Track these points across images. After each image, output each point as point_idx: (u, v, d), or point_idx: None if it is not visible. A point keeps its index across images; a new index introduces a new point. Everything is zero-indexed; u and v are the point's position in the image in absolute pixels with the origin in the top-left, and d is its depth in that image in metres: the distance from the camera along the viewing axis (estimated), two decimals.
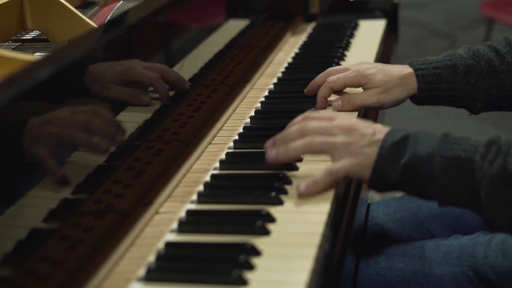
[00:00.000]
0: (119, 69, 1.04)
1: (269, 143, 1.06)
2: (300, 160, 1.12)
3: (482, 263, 1.10)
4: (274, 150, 1.04)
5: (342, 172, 1.00)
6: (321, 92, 1.33)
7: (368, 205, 1.41)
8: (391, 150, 0.97)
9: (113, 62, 1.04)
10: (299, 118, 1.07)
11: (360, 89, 1.33)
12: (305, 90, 1.37)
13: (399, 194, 1.48)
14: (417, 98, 1.33)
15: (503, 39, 1.33)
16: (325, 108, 1.34)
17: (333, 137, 1.01)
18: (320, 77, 1.35)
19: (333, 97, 1.34)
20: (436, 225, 1.33)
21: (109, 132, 0.98)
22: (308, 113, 1.07)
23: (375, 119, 1.41)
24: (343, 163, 1.00)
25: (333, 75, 1.33)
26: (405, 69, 1.32)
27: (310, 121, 1.04)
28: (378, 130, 1.01)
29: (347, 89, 1.35)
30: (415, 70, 1.31)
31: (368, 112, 1.35)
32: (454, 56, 1.31)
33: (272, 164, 1.05)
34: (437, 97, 1.32)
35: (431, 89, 1.31)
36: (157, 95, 1.12)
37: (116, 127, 1.00)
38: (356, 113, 1.32)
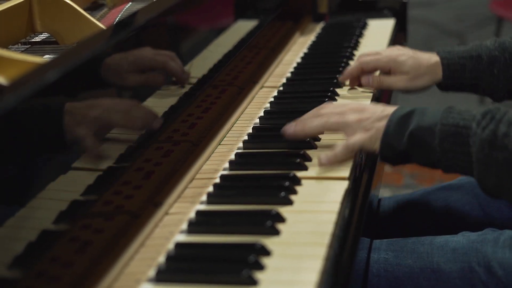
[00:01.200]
0: (132, 59, 1.08)
1: (288, 126, 1.15)
2: (310, 160, 1.12)
3: (490, 259, 1.11)
4: (292, 127, 1.14)
5: (357, 145, 1.09)
6: (351, 69, 1.43)
7: (379, 201, 1.42)
8: (398, 122, 1.05)
9: (124, 54, 1.05)
10: (314, 109, 1.16)
11: None
12: (339, 78, 1.45)
13: (409, 190, 1.48)
14: (442, 85, 1.40)
15: None
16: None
17: (347, 116, 1.11)
18: (354, 65, 1.43)
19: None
20: (444, 220, 1.34)
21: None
22: (322, 105, 1.17)
23: None
24: (357, 137, 1.09)
25: (367, 57, 1.42)
26: (433, 57, 1.38)
27: (325, 108, 1.15)
28: (386, 108, 1.10)
29: None
30: (441, 58, 1.38)
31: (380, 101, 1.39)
32: (480, 47, 1.37)
33: (290, 138, 1.14)
34: (460, 85, 1.39)
35: (455, 77, 1.38)
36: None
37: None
38: (369, 100, 1.38)
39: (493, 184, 0.98)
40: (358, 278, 1.09)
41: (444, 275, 1.13)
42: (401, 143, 1.04)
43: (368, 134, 1.08)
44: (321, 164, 1.10)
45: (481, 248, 1.13)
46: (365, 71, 1.42)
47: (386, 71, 1.41)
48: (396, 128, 1.05)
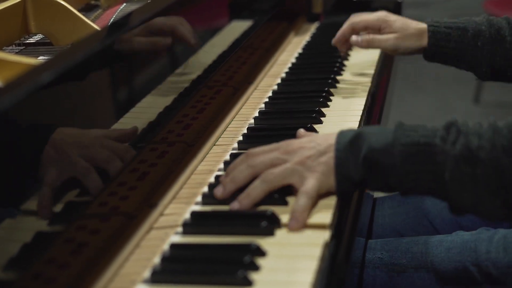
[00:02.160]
0: (143, 26, 1.08)
1: (218, 190, 1.02)
2: None
3: (484, 259, 1.11)
4: (236, 204, 0.99)
5: (313, 190, 0.97)
6: (342, 30, 1.47)
7: (374, 200, 1.42)
8: (346, 149, 0.96)
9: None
10: (242, 157, 1.03)
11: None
12: (333, 40, 1.50)
13: None
14: (427, 53, 1.42)
15: None
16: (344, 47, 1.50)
17: (286, 163, 0.99)
18: (344, 26, 1.48)
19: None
20: (439, 219, 1.34)
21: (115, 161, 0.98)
22: (249, 151, 1.03)
23: (379, 117, 1.42)
24: (310, 182, 0.97)
25: (356, 17, 1.46)
26: (421, 24, 1.42)
27: (256, 156, 1.01)
28: (325, 138, 1.00)
29: None
30: (428, 25, 1.41)
31: (376, 100, 1.35)
32: (468, 21, 1.40)
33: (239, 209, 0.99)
34: (444, 55, 1.41)
35: (439, 46, 1.40)
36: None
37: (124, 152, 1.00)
38: (364, 98, 1.38)
39: (470, 202, 0.91)
40: (354, 278, 1.09)
41: (439, 275, 1.13)
42: (357, 172, 0.95)
43: (317, 173, 0.97)
44: (293, 229, 0.94)
45: (475, 247, 1.13)
46: (356, 30, 1.45)
47: (376, 31, 1.44)
48: (346, 156, 0.96)
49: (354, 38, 1.45)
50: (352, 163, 0.95)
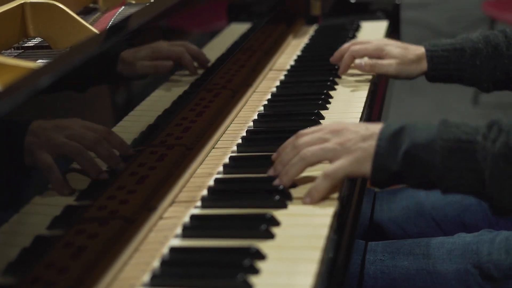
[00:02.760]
0: (148, 49, 1.11)
1: (270, 171, 1.07)
2: None
3: (486, 260, 1.11)
4: (277, 180, 1.04)
5: (340, 172, 0.99)
6: (344, 60, 1.49)
7: (375, 194, 1.43)
8: (389, 140, 0.96)
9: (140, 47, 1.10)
10: (291, 138, 1.07)
11: None
12: (330, 59, 1.53)
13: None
14: (428, 76, 1.45)
15: None
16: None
17: (326, 142, 1.01)
18: (345, 46, 1.51)
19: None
20: (442, 215, 1.34)
21: (112, 155, 0.98)
22: (299, 132, 1.06)
23: (378, 119, 1.42)
24: (340, 163, 0.99)
25: (356, 46, 1.48)
26: (420, 49, 1.45)
27: (302, 137, 1.05)
28: (370, 125, 1.01)
29: None
30: (426, 50, 1.44)
31: (374, 103, 1.40)
32: (465, 40, 1.43)
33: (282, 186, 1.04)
34: (445, 76, 1.44)
35: (439, 69, 1.43)
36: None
37: (122, 148, 1.01)
38: (363, 102, 1.38)
39: (511, 202, 0.91)
40: (354, 280, 1.09)
41: (440, 277, 1.13)
42: (395, 164, 0.95)
43: (353, 156, 0.99)
44: (306, 203, 1.00)
45: (476, 249, 1.13)
46: (356, 58, 1.48)
47: (375, 58, 1.47)
48: (387, 148, 0.96)
49: (357, 61, 1.47)
50: (392, 155, 0.96)
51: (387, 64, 1.44)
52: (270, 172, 1.06)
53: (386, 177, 0.97)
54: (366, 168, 0.98)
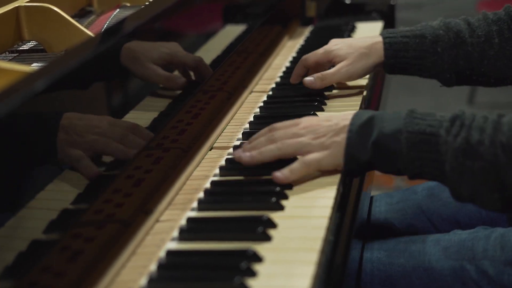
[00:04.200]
0: (164, 51, 1.13)
1: (237, 151, 1.11)
2: None
3: (481, 257, 1.11)
4: (247, 153, 1.08)
5: (314, 163, 1.05)
6: (296, 70, 1.43)
7: (371, 198, 1.43)
8: (359, 132, 1.02)
9: (154, 43, 1.12)
10: (264, 130, 1.11)
11: None
12: (290, 79, 1.45)
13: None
14: (386, 66, 1.38)
15: (481, 13, 1.38)
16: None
17: (302, 137, 1.06)
18: (298, 64, 1.44)
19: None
20: (437, 215, 1.34)
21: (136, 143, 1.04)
22: (272, 125, 1.11)
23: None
24: (315, 155, 1.05)
25: (306, 55, 1.42)
26: (374, 39, 1.38)
27: (276, 130, 1.09)
28: (342, 118, 1.06)
29: None
30: (384, 38, 1.37)
31: (371, 102, 1.40)
32: (425, 27, 1.36)
33: (246, 165, 1.09)
34: (404, 65, 1.37)
35: (398, 57, 1.36)
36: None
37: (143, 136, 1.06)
38: (359, 102, 1.37)
39: (468, 193, 0.95)
40: (351, 278, 1.09)
41: (436, 273, 1.14)
42: (365, 154, 1.01)
43: (327, 151, 1.05)
44: (277, 181, 1.04)
45: (472, 246, 1.13)
46: (308, 66, 1.42)
47: (327, 63, 1.40)
48: (357, 139, 1.02)
49: (307, 80, 1.38)
50: (362, 146, 1.02)
51: (336, 71, 1.37)
52: (236, 154, 1.10)
53: (358, 166, 1.04)
54: (340, 160, 1.04)
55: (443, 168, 0.96)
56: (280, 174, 1.05)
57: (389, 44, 1.36)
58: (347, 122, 1.04)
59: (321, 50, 1.41)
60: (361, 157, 1.02)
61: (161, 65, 1.13)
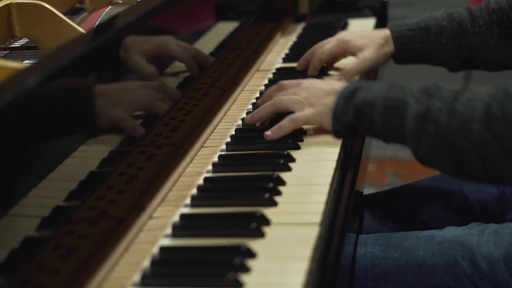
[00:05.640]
0: (156, 42, 1.17)
1: (247, 117, 1.24)
2: (293, 160, 1.12)
3: (475, 253, 1.12)
4: (248, 116, 1.24)
5: (302, 119, 1.16)
6: (312, 66, 1.47)
7: (364, 197, 1.43)
8: (346, 97, 1.11)
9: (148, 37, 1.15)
10: (274, 86, 1.24)
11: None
12: (296, 66, 1.50)
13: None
14: (396, 58, 1.46)
15: (485, 2, 1.42)
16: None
17: (296, 95, 1.18)
18: (308, 53, 1.48)
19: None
20: (430, 216, 1.35)
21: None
22: (280, 82, 1.23)
23: None
24: (304, 112, 1.16)
25: (319, 49, 1.46)
26: (384, 31, 1.44)
27: (280, 92, 1.22)
28: (335, 84, 1.17)
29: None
30: (391, 31, 1.43)
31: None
32: (429, 19, 1.43)
33: (250, 123, 1.24)
34: (412, 56, 1.44)
35: (406, 49, 1.43)
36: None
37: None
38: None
39: (425, 155, 1.02)
40: (345, 273, 1.09)
41: (430, 269, 1.14)
42: (349, 117, 1.10)
43: (315, 109, 1.15)
44: (267, 138, 1.16)
45: (466, 242, 1.14)
46: (323, 60, 1.47)
47: (341, 54, 1.47)
48: (343, 103, 1.10)
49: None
50: (346, 110, 1.10)
51: (360, 62, 1.42)
52: (247, 118, 1.24)
53: (343, 129, 1.13)
54: (326, 120, 1.14)
55: (406, 131, 1.02)
56: (270, 133, 1.16)
57: (396, 38, 1.42)
58: (339, 87, 1.13)
59: (333, 42, 1.45)
60: (345, 120, 1.11)
61: (152, 58, 1.13)
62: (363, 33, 1.46)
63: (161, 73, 1.20)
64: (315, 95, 1.16)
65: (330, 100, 1.13)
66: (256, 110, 1.22)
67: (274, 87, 1.24)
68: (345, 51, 1.45)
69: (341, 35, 1.47)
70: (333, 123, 1.13)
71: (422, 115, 1.00)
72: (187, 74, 1.28)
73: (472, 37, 1.39)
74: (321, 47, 1.46)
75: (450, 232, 1.18)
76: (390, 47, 1.43)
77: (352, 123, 1.10)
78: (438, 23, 1.40)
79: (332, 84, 1.17)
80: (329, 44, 1.46)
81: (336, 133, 1.15)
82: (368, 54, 1.42)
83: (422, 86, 1.04)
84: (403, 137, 1.03)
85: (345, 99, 1.10)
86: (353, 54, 1.44)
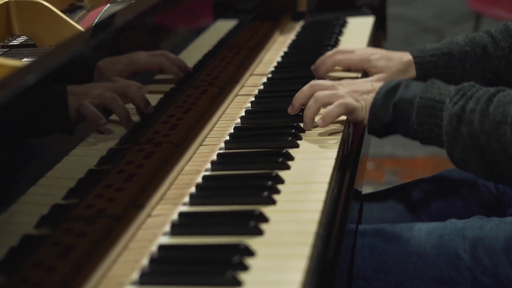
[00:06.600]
0: (127, 61, 1.12)
1: (289, 108, 1.25)
2: (292, 159, 1.12)
3: (476, 246, 1.12)
4: (304, 125, 1.22)
5: (351, 106, 1.16)
6: (326, 66, 1.47)
7: (362, 196, 1.43)
8: (385, 94, 1.13)
9: (118, 56, 1.09)
10: (306, 87, 1.23)
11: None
12: (312, 67, 1.49)
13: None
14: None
15: (502, 24, 1.41)
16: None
17: (337, 90, 1.20)
18: (328, 55, 1.47)
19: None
20: (428, 212, 1.35)
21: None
22: (313, 81, 1.24)
23: None
24: (350, 99, 1.17)
25: (340, 55, 1.46)
26: (406, 56, 1.42)
27: (317, 87, 1.21)
28: (376, 83, 1.19)
29: None
30: (414, 57, 1.41)
31: None
32: (452, 44, 1.41)
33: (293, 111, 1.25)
34: None
35: (429, 75, 1.38)
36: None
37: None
38: None
39: (460, 157, 1.04)
40: (345, 265, 1.09)
41: (431, 261, 1.14)
42: (387, 115, 1.12)
43: (357, 104, 1.16)
44: (321, 126, 1.18)
45: (467, 235, 1.14)
46: (340, 66, 1.47)
47: (359, 70, 1.45)
48: (382, 100, 1.13)
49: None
50: (384, 107, 1.13)
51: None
52: (289, 109, 1.24)
53: (379, 125, 1.14)
54: (364, 116, 1.16)
55: (442, 131, 1.04)
56: (322, 122, 1.18)
57: (420, 64, 1.40)
58: (379, 85, 1.15)
59: (357, 56, 1.44)
60: (383, 118, 1.13)
61: (127, 75, 1.10)
62: (387, 54, 1.43)
63: (157, 72, 1.20)
64: (356, 91, 1.18)
65: (371, 96, 1.15)
66: (304, 119, 1.21)
67: (306, 87, 1.23)
68: (364, 68, 1.44)
69: (367, 53, 1.44)
70: (370, 120, 1.15)
71: (457, 115, 1.02)
72: (184, 73, 1.28)
73: (496, 60, 1.38)
74: (343, 53, 1.45)
75: (452, 224, 1.18)
76: (411, 73, 1.41)
77: (390, 122, 1.12)
78: (461, 49, 1.39)
79: (372, 82, 1.20)
80: (351, 55, 1.44)
81: (371, 130, 1.16)
82: (383, 78, 1.39)
83: (459, 86, 1.06)
84: (439, 138, 1.06)
85: (384, 97, 1.13)
86: (370, 73, 1.43)
